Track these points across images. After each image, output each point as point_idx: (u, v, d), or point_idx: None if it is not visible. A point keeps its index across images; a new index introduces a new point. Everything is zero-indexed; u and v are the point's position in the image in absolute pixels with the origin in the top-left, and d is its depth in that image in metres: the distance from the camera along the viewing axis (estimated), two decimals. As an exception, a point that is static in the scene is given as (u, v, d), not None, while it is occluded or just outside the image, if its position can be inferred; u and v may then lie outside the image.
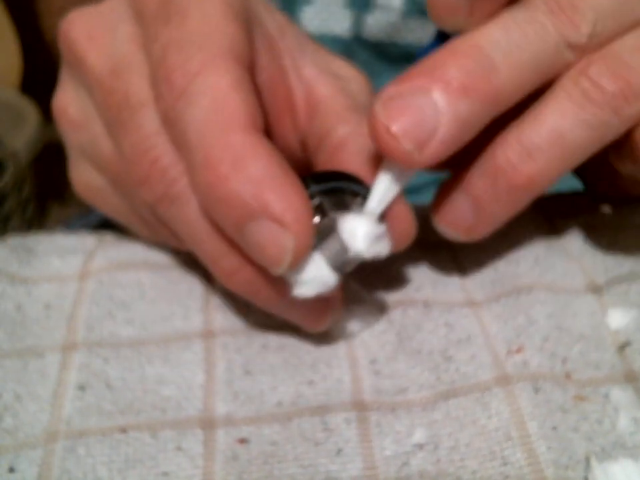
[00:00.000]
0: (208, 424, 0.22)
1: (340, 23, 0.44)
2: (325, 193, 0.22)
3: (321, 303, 0.23)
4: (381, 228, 0.22)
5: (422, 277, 0.28)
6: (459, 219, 0.24)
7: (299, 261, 0.20)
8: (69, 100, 0.27)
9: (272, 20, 0.26)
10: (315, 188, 0.21)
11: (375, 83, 0.48)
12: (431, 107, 0.20)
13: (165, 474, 0.21)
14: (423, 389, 0.23)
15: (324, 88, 0.26)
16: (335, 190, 0.22)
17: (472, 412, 0.22)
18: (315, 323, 0.24)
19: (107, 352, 0.25)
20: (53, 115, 0.28)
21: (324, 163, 0.25)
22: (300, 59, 0.26)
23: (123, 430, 0.22)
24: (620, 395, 0.22)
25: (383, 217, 0.22)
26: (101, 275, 0.28)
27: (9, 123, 0.81)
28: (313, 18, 0.44)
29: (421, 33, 0.43)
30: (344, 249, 0.21)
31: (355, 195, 0.22)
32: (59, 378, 0.24)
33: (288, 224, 0.20)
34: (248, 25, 0.24)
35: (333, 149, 0.24)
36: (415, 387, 0.23)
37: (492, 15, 0.22)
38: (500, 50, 0.21)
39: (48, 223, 0.90)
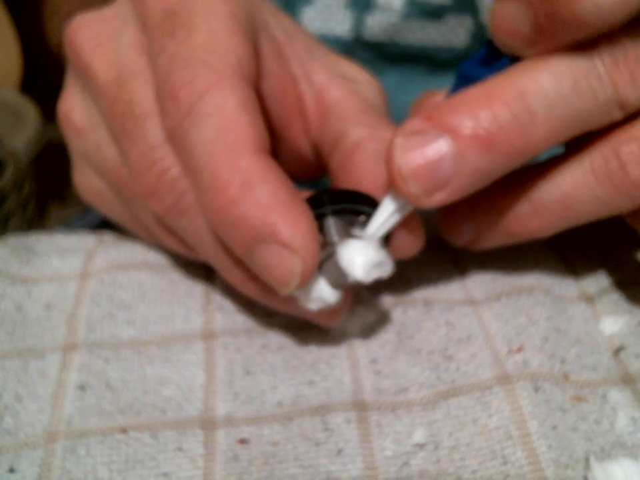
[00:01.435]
0: (208, 424, 0.22)
1: (340, 23, 0.44)
2: (332, 213, 0.22)
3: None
4: (382, 254, 0.21)
5: (422, 276, 0.28)
6: (462, 235, 0.25)
7: (305, 284, 0.20)
8: (74, 105, 0.27)
9: (279, 25, 0.26)
10: (323, 209, 0.21)
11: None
12: (449, 155, 0.19)
13: (166, 474, 0.21)
14: (423, 388, 0.23)
15: (335, 91, 0.26)
16: (343, 211, 0.22)
17: (472, 411, 0.22)
18: (328, 320, 0.24)
19: (108, 352, 0.25)
20: (58, 118, 0.28)
21: (337, 165, 0.24)
22: (309, 64, 0.26)
23: (124, 430, 0.22)
24: (617, 395, 0.22)
25: (388, 237, 0.22)
26: (101, 275, 0.28)
27: (9, 122, 0.81)
28: (313, 18, 0.44)
29: (421, 34, 0.43)
30: (344, 274, 0.21)
31: (364, 215, 0.22)
32: (59, 378, 0.24)
33: (296, 248, 0.20)
34: (254, 34, 0.24)
35: (346, 152, 0.24)
36: (415, 386, 0.23)
37: (553, 51, 0.20)
38: (544, 102, 0.19)
39: (48, 223, 0.90)
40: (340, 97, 0.26)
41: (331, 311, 0.24)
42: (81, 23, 0.26)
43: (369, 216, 0.22)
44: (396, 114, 0.48)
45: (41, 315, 0.27)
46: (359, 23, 0.44)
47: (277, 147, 0.27)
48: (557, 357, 0.24)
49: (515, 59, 0.20)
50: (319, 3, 0.44)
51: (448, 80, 0.48)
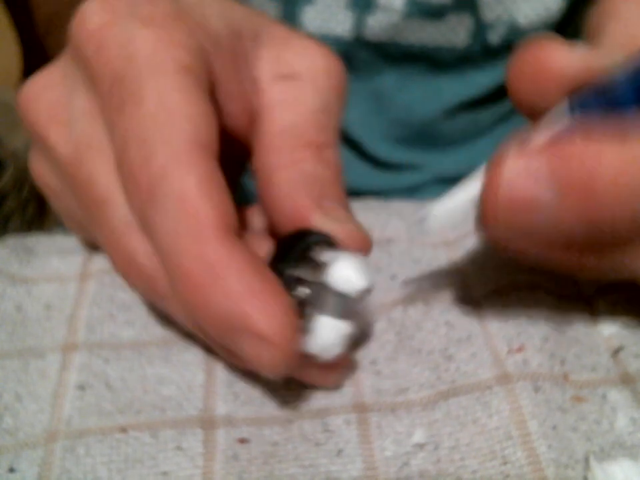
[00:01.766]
0: (208, 423, 0.22)
1: (341, 23, 0.44)
2: (300, 258, 0.21)
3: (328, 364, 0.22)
4: (359, 257, 0.21)
5: (422, 276, 0.28)
6: None
7: (287, 367, 0.20)
8: (41, 169, 0.26)
9: (228, 33, 0.24)
10: (287, 261, 0.21)
11: (378, 82, 0.48)
12: (547, 209, 0.18)
13: (165, 474, 0.21)
14: (423, 388, 0.23)
15: (270, 100, 0.25)
16: (305, 250, 0.21)
17: (472, 411, 0.22)
18: (327, 382, 0.23)
19: (108, 353, 0.25)
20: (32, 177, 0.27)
21: (260, 187, 0.24)
22: (255, 66, 0.25)
23: (123, 430, 0.22)
24: (617, 396, 0.22)
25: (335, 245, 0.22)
26: (101, 276, 0.28)
27: (9, 123, 0.81)
28: (314, 18, 0.44)
29: (422, 34, 0.43)
30: (345, 298, 0.21)
31: (319, 243, 0.22)
32: (59, 378, 0.24)
33: (272, 340, 0.19)
34: (207, 66, 0.23)
35: (263, 178, 0.24)
36: (415, 386, 0.23)
37: None
38: None
39: (48, 223, 0.90)
40: (273, 107, 0.25)
41: (328, 372, 0.23)
42: (31, 91, 0.25)
43: (322, 243, 0.22)
44: (396, 114, 0.48)
45: (41, 315, 0.27)
46: (359, 23, 0.44)
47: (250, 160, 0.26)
48: (556, 357, 0.24)
49: None
50: (319, 3, 0.44)
51: (448, 80, 0.48)
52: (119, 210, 0.22)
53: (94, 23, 0.22)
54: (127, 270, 0.22)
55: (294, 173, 0.23)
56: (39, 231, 0.32)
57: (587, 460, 0.20)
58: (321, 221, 0.22)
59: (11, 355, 0.25)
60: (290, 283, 0.21)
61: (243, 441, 0.22)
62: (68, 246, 0.31)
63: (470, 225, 0.21)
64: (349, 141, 0.49)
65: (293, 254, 0.21)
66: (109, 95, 0.21)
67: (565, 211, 0.18)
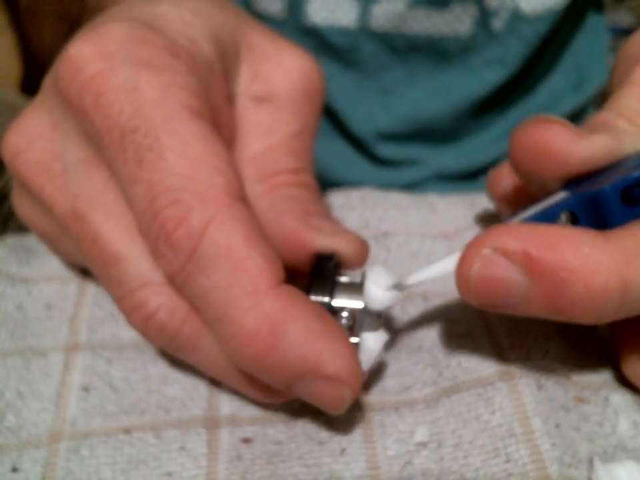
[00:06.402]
0: (212, 423, 0.22)
1: (347, 14, 0.44)
2: (329, 286, 0.21)
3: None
4: (381, 269, 0.22)
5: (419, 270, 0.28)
6: None
7: (354, 400, 0.20)
8: (32, 215, 0.25)
9: (216, 54, 0.24)
10: (325, 292, 0.21)
11: (385, 77, 0.48)
12: (519, 293, 0.19)
13: (169, 474, 0.21)
14: (426, 386, 0.23)
15: (245, 126, 0.25)
16: (323, 273, 0.22)
17: (475, 407, 0.22)
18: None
19: (110, 353, 0.25)
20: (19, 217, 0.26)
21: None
22: (236, 83, 0.25)
23: (127, 431, 0.22)
24: (619, 399, 0.22)
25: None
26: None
27: (9, 123, 0.81)
28: (319, 9, 0.44)
29: (427, 23, 0.43)
30: (378, 313, 0.22)
31: (335, 268, 0.22)
32: (63, 378, 0.24)
33: (343, 380, 0.19)
34: (211, 103, 0.22)
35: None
36: (418, 384, 0.23)
37: None
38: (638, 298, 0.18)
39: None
40: (247, 131, 0.25)
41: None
42: (17, 141, 0.24)
43: (336, 264, 0.22)
44: (403, 110, 0.48)
45: (41, 315, 0.27)
46: (365, 13, 0.43)
47: None
48: (558, 357, 0.24)
49: None
50: None
51: (455, 76, 0.48)
52: (133, 266, 0.21)
53: (88, 71, 0.21)
54: (144, 328, 0.21)
55: (274, 199, 0.23)
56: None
57: (590, 461, 0.20)
58: (320, 240, 0.22)
59: (13, 354, 0.25)
60: (334, 313, 0.21)
61: (246, 440, 0.22)
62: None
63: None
64: (351, 139, 0.49)
65: (323, 285, 0.21)
66: (121, 147, 0.20)
67: (534, 297, 0.19)
